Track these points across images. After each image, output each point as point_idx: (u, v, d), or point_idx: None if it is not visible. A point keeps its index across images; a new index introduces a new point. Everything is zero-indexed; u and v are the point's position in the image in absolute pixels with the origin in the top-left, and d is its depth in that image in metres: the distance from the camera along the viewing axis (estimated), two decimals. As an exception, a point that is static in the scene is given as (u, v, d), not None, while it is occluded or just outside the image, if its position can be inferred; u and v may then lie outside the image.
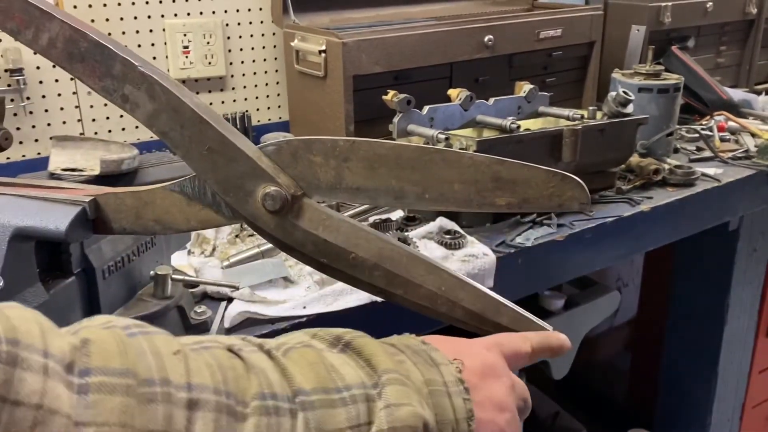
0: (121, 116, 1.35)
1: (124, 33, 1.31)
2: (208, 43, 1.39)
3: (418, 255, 0.59)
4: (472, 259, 0.96)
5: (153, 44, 1.35)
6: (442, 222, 1.02)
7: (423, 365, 0.46)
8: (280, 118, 1.52)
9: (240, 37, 1.43)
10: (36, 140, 1.28)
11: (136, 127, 1.37)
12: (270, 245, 0.94)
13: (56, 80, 1.27)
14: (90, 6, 1.27)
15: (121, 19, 1.30)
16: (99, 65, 0.56)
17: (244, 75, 1.46)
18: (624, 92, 1.15)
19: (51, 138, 1.15)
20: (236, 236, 1.01)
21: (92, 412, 0.31)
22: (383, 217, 1.05)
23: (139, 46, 1.33)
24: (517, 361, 0.55)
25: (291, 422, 0.38)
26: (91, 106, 1.31)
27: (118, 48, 0.56)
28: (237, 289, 0.85)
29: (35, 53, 0.57)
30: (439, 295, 0.58)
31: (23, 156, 1.28)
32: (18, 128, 1.25)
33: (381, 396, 0.42)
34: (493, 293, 0.59)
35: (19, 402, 0.30)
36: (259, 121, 1.50)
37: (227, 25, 1.41)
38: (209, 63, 1.40)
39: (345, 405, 0.40)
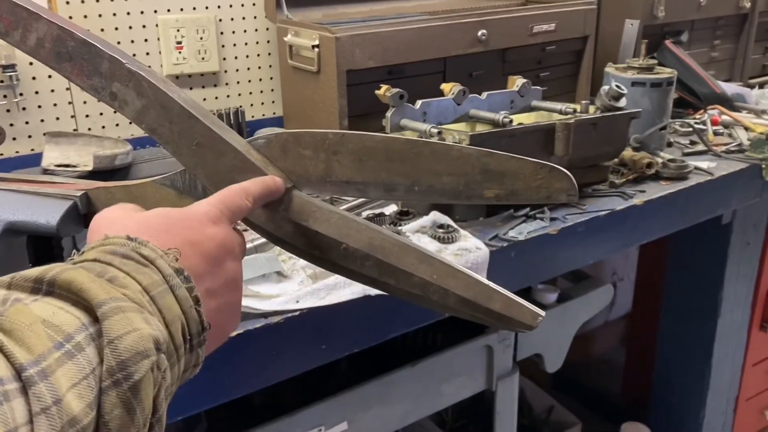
0: (115, 112, 1.34)
1: (117, 29, 1.31)
2: (201, 38, 1.38)
3: (409, 244, 0.59)
4: (465, 253, 0.96)
5: (146, 40, 1.35)
6: (435, 216, 1.02)
7: (137, 271, 0.44)
8: (274, 113, 1.52)
9: (233, 32, 1.43)
10: (29, 136, 1.28)
11: (130, 123, 1.36)
12: (263, 240, 0.94)
13: (49, 76, 1.26)
14: (83, 2, 1.26)
15: (114, 14, 1.30)
16: (87, 64, 0.56)
17: (237, 70, 1.46)
18: (617, 86, 1.15)
19: (44, 134, 1.16)
20: (230, 231, 1.01)
21: None
22: (377, 211, 1.05)
23: (132, 41, 1.33)
24: (240, 216, 0.54)
25: (23, 402, 0.35)
26: (85, 102, 1.31)
27: (105, 46, 0.56)
28: (230, 283, 0.85)
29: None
30: (431, 283, 0.58)
31: (17, 152, 1.27)
32: (11, 124, 1.25)
33: (103, 332, 0.39)
34: (485, 280, 0.59)
35: None
36: (253, 116, 1.50)
37: (220, 20, 1.41)
38: (202, 58, 1.40)
39: (73, 357, 0.38)
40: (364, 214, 1.05)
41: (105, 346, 0.39)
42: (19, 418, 0.34)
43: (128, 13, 1.32)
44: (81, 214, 0.64)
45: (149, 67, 0.59)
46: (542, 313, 0.60)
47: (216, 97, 1.45)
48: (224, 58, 1.43)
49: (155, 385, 0.41)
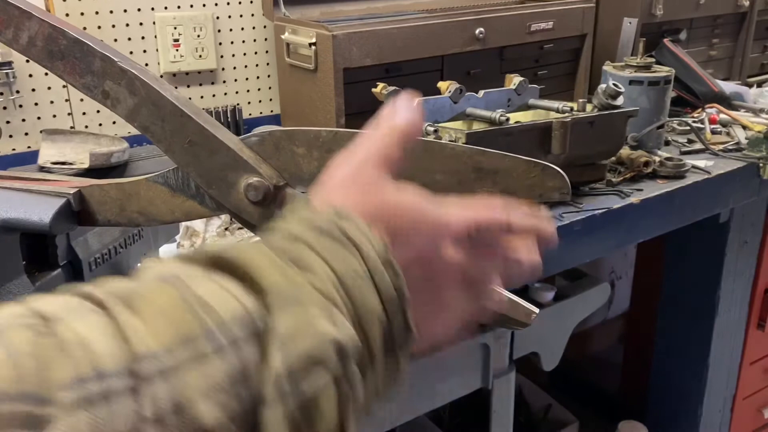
0: (112, 110, 1.34)
1: (113, 26, 1.31)
2: (198, 36, 1.38)
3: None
4: (461, 251, 0.96)
5: (143, 37, 1.34)
6: (431, 214, 1.02)
7: (335, 250, 0.35)
8: (271, 111, 1.52)
9: (230, 30, 1.43)
10: (26, 134, 1.28)
11: (127, 120, 1.36)
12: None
13: (46, 74, 1.26)
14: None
15: (111, 12, 1.30)
16: (79, 62, 0.56)
17: (234, 68, 1.46)
18: (614, 84, 1.15)
19: (41, 131, 1.15)
20: (226, 229, 1.02)
21: None
22: (373, 209, 1.05)
23: (129, 39, 1.33)
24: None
25: (133, 405, 0.27)
26: (82, 100, 1.31)
27: (97, 44, 0.56)
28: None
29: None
30: None
31: (13, 150, 1.27)
32: (8, 122, 1.25)
33: (272, 328, 0.31)
34: None
35: None
36: (250, 114, 1.50)
37: (218, 17, 1.41)
38: (200, 56, 1.40)
39: (221, 353, 0.29)
40: (361, 212, 1.05)
41: (270, 346, 0.31)
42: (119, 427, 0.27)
43: (125, 11, 1.31)
44: (74, 211, 0.64)
45: (146, 65, 0.59)
46: (536, 310, 0.60)
47: (213, 95, 1.45)
48: (221, 56, 1.43)
49: (340, 402, 0.32)
